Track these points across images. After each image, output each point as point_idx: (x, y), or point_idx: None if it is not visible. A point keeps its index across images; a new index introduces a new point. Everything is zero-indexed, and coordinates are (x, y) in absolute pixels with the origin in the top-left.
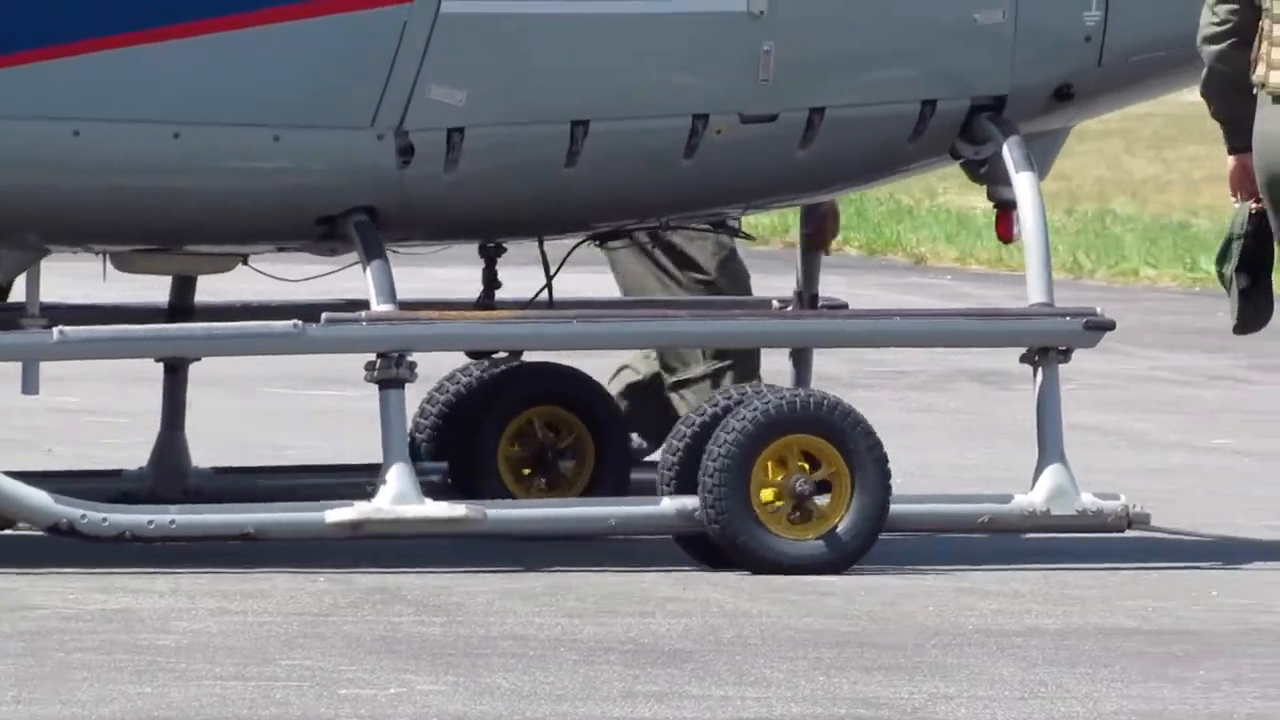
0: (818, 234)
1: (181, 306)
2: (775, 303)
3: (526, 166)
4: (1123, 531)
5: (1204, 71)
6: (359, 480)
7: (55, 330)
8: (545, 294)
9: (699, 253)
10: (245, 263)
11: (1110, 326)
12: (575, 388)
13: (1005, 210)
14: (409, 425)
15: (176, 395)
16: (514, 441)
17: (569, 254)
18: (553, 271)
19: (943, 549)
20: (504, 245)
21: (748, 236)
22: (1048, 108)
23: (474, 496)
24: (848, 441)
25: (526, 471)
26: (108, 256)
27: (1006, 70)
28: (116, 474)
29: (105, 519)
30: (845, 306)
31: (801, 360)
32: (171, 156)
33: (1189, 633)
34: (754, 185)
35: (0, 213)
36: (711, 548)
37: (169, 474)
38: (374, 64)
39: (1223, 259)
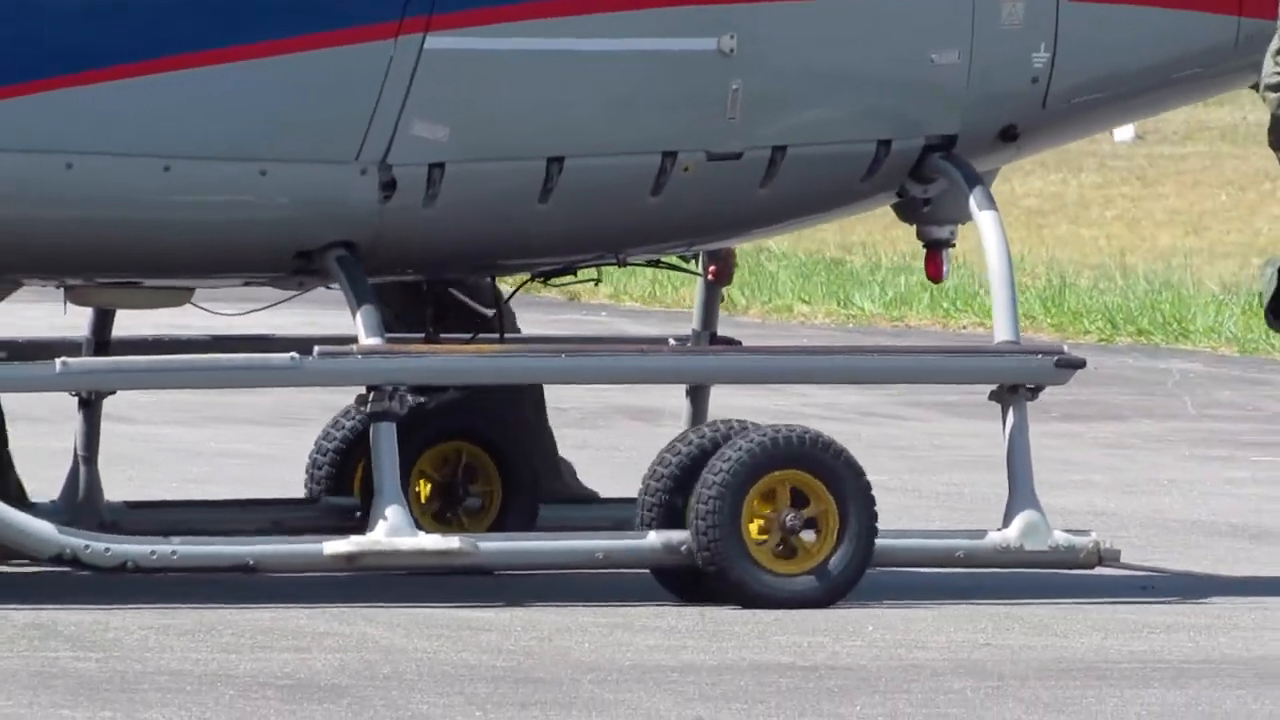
0: (721, 273)
1: (100, 340)
2: (671, 340)
3: (502, 201)
4: (1093, 567)
5: (1269, 120)
6: (271, 515)
7: (57, 362)
8: (480, 329)
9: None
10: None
11: (1080, 365)
12: (480, 423)
13: (935, 250)
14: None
15: (91, 428)
16: (422, 476)
17: (515, 291)
18: (500, 306)
19: (592, 586)
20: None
21: (692, 271)
22: (992, 148)
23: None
24: (837, 477)
25: (435, 505)
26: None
27: (959, 110)
28: (29, 507)
29: (108, 549)
30: (739, 344)
31: (699, 397)
32: (162, 190)
33: (844, 668)
34: (713, 222)
35: None
36: (691, 581)
37: (83, 507)
38: (360, 99)
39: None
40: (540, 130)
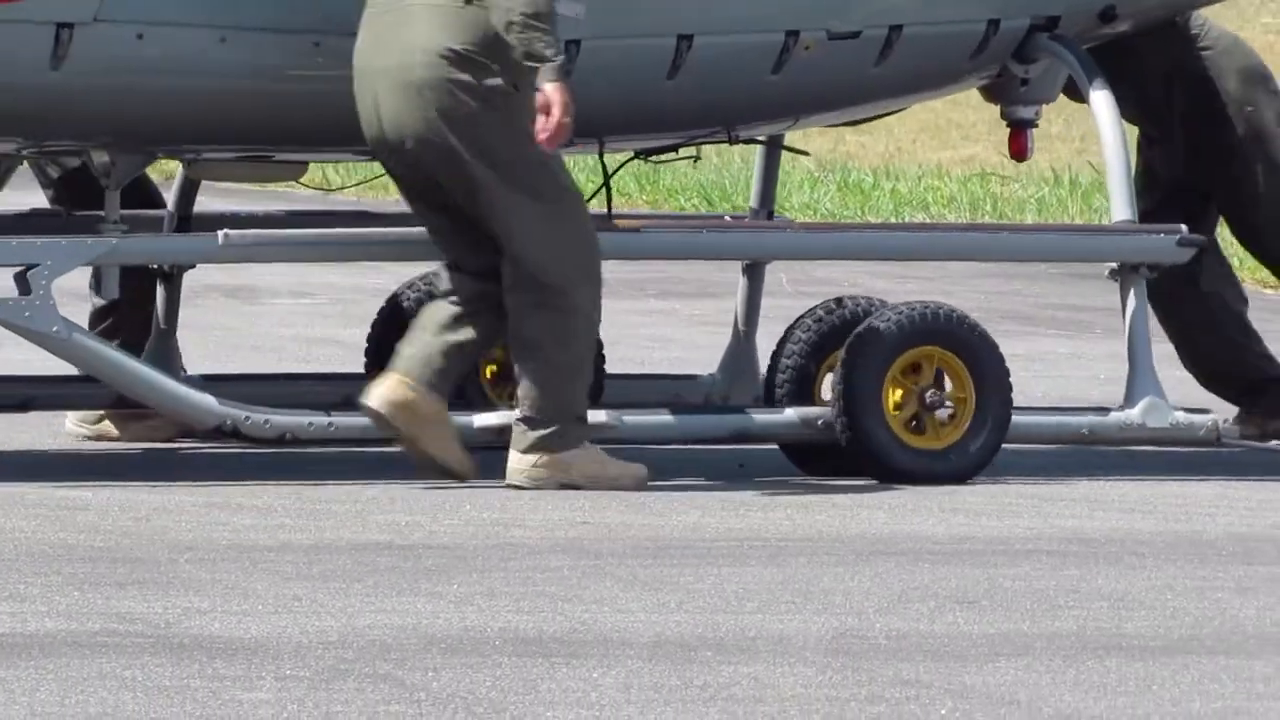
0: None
1: (183, 215)
2: (727, 218)
3: (632, 78)
4: (1213, 445)
5: None
6: (344, 389)
7: (220, 234)
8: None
9: None
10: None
11: (1201, 244)
12: None
13: (1021, 129)
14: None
15: (172, 302)
16: (495, 352)
17: (620, 168)
18: (605, 183)
19: (188, 465)
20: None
21: (803, 153)
22: (1090, 28)
23: (458, 406)
24: (975, 354)
25: (508, 387)
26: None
27: None
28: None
29: (267, 421)
30: (793, 222)
31: (755, 274)
32: (311, 65)
33: (442, 547)
34: (826, 100)
35: (147, 116)
36: (819, 457)
37: None
38: None
39: None
40: (672, 8)
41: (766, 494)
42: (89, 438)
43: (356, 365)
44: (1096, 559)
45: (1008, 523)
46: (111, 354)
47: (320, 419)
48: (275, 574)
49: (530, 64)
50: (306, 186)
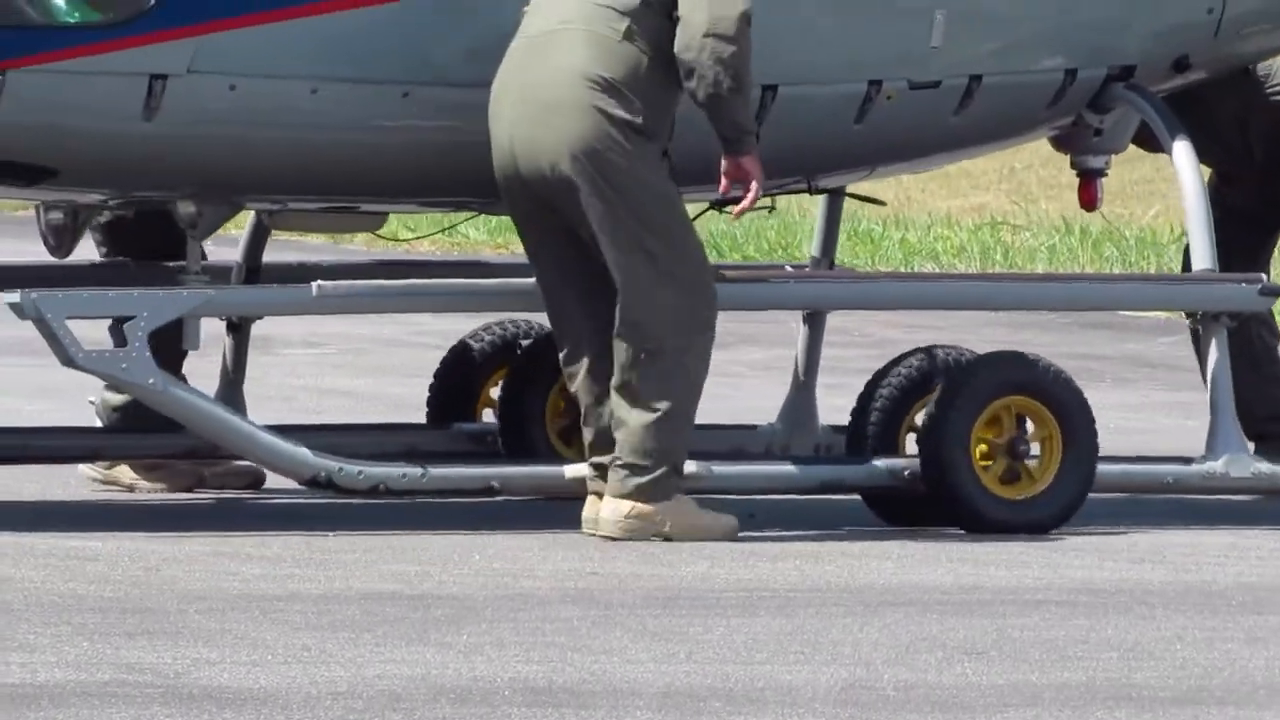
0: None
1: (252, 267)
2: (788, 268)
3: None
4: None
5: None
6: (405, 439)
7: (314, 285)
8: None
9: None
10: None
11: None
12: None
13: (1090, 179)
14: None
15: (239, 351)
16: (562, 393)
17: (695, 218)
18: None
19: (199, 515)
20: None
21: (879, 202)
22: (1164, 78)
23: (523, 456)
24: (1062, 403)
25: (562, 422)
26: (264, 215)
27: (1139, 41)
28: (178, 429)
29: (360, 472)
30: (854, 270)
31: (817, 323)
32: (399, 114)
33: (451, 597)
34: (905, 149)
35: (238, 168)
36: (903, 507)
37: None
38: None
39: None
40: (757, 59)
41: (775, 545)
42: (99, 481)
43: (366, 416)
44: (1106, 609)
45: (1016, 573)
46: (207, 406)
47: (414, 470)
48: (284, 624)
49: (730, 133)
50: (387, 237)
